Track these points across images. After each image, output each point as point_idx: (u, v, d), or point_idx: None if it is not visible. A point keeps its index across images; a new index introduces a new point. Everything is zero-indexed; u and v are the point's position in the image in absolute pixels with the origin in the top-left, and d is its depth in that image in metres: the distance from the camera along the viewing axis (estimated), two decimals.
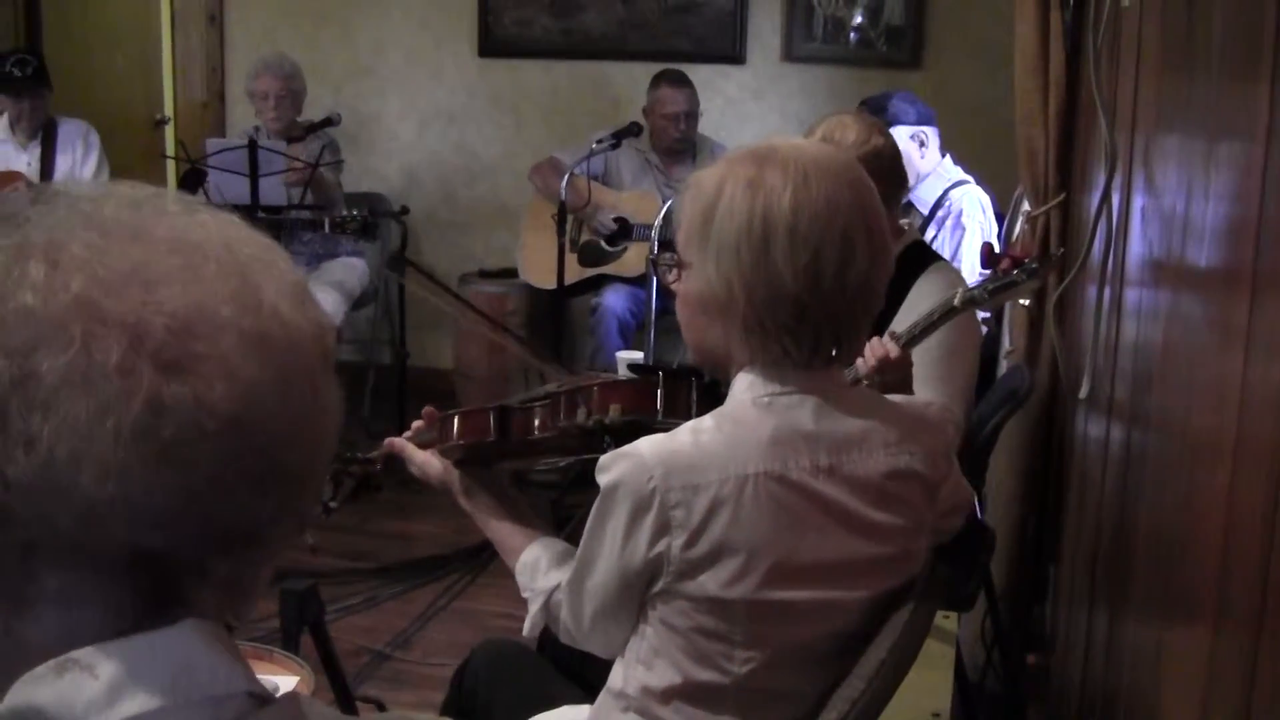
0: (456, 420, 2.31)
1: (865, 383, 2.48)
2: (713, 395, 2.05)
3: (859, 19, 6.15)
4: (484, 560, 4.56)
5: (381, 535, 4.81)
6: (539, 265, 5.80)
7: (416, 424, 2.43)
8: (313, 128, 5.60)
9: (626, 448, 1.82)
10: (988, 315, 4.13)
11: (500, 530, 2.26)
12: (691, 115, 5.80)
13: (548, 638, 2.42)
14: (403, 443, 2.41)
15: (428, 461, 2.35)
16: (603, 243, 5.80)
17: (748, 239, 1.78)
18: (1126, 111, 2.70)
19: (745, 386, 1.86)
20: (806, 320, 1.80)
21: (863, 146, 2.89)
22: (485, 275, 6.39)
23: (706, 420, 1.87)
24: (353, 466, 2.58)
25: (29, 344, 0.80)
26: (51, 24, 6.72)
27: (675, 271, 1.93)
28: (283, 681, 2.58)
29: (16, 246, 0.84)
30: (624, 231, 5.78)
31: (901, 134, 4.59)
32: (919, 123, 4.66)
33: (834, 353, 1.86)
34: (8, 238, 0.84)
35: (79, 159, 5.86)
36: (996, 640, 3.37)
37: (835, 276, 1.78)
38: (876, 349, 2.43)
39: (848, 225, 1.79)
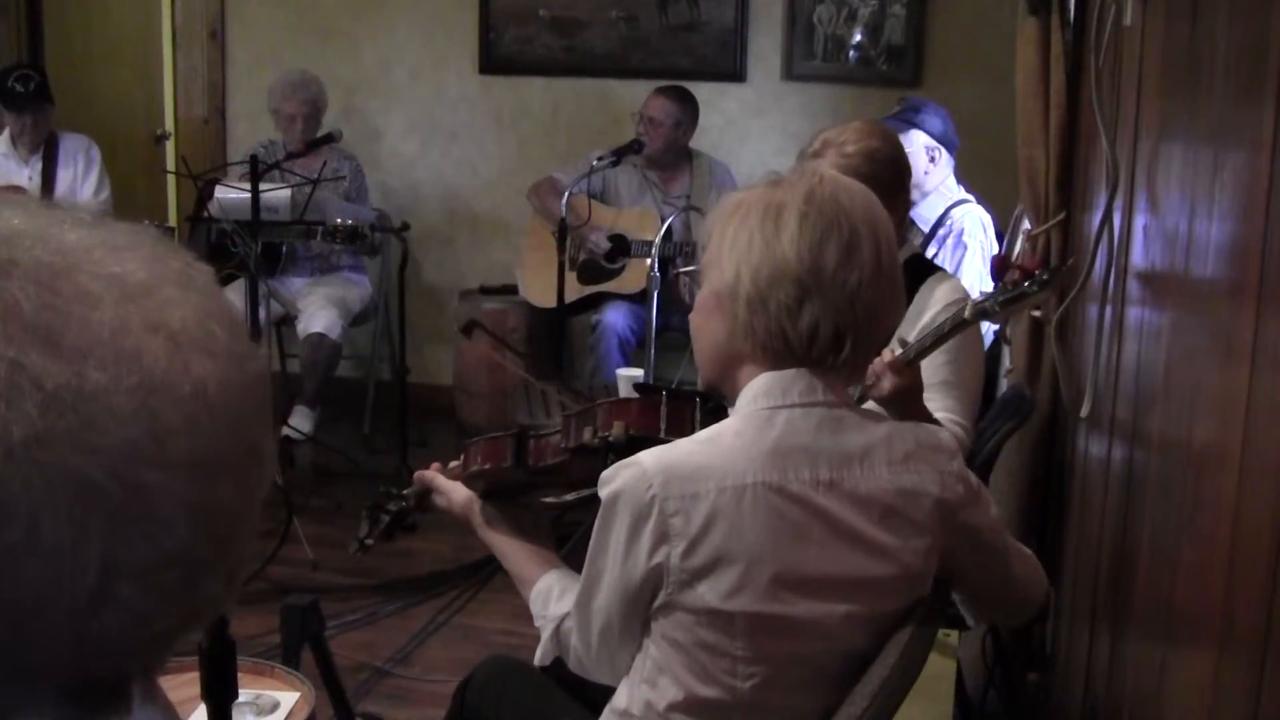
0: (481, 446, 2.38)
1: (870, 395, 2.49)
2: (716, 416, 2.07)
3: (859, 37, 6.16)
4: (484, 577, 4.55)
5: (382, 551, 4.74)
6: (539, 284, 5.80)
7: (451, 464, 2.51)
8: (313, 143, 5.61)
9: (628, 459, 1.85)
10: (990, 332, 4.13)
11: (517, 561, 2.31)
12: (660, 123, 5.74)
13: None
14: (432, 474, 2.49)
15: (453, 489, 2.44)
16: (602, 260, 5.79)
17: (760, 227, 1.86)
18: (1128, 130, 2.70)
19: (749, 399, 1.88)
20: (807, 302, 1.83)
21: (857, 143, 2.92)
22: (486, 292, 6.39)
23: (708, 431, 1.91)
24: (390, 504, 2.61)
25: None
26: (53, 40, 6.73)
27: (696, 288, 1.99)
28: (283, 697, 2.58)
29: None
30: (623, 249, 5.78)
31: (918, 141, 4.62)
32: (938, 139, 4.67)
33: (835, 354, 1.87)
34: None
35: (80, 173, 5.87)
36: (997, 659, 3.36)
37: (837, 268, 1.83)
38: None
39: (855, 227, 1.85)
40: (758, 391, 1.88)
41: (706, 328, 1.96)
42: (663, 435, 2.11)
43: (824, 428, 1.86)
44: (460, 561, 4.66)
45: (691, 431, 2.06)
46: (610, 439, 2.13)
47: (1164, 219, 2.29)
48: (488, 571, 4.53)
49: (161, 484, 0.75)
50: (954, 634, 2.99)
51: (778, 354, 1.87)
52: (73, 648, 0.76)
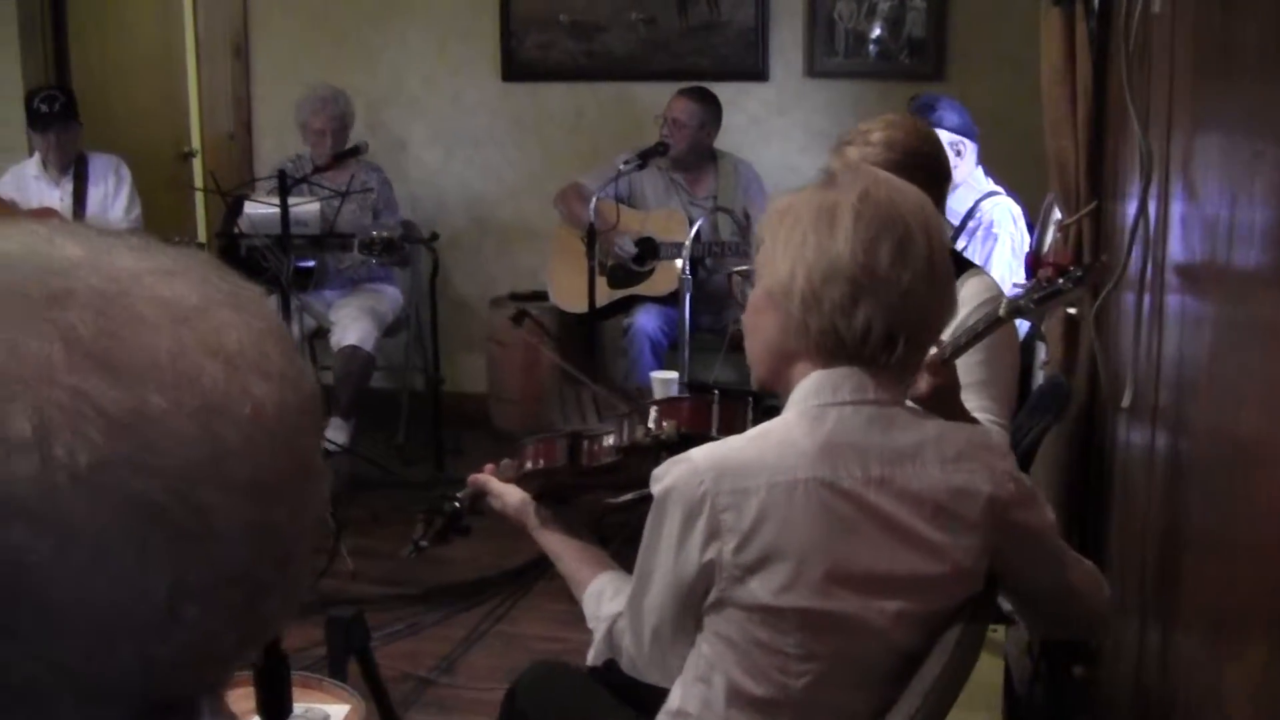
0: (534, 447, 2.40)
1: (909, 396, 2.48)
2: (769, 416, 2.08)
3: (880, 32, 6.14)
4: (525, 583, 4.56)
5: (421, 559, 4.79)
6: (568, 289, 5.80)
7: (504, 462, 2.54)
8: (340, 155, 5.63)
9: (680, 455, 1.86)
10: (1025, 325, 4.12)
11: (570, 563, 2.33)
12: (684, 124, 5.74)
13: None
14: (485, 477, 2.52)
15: (507, 492, 2.46)
16: (631, 264, 5.79)
17: (814, 226, 1.87)
18: (1160, 119, 2.69)
19: (801, 397, 1.89)
20: (860, 302, 1.84)
21: (882, 132, 2.91)
22: (516, 298, 6.40)
23: (759, 428, 1.92)
24: (446, 506, 2.63)
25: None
26: (79, 61, 6.77)
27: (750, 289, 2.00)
28: (334, 710, 2.59)
29: None
30: (651, 251, 5.78)
31: (939, 138, 4.59)
32: (959, 132, 4.66)
33: (888, 353, 1.87)
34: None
35: (111, 192, 5.90)
36: (1043, 652, 3.35)
37: (890, 266, 1.84)
38: None
39: (909, 227, 1.86)
40: (809, 390, 1.89)
41: (760, 326, 1.97)
42: (715, 434, 2.13)
43: (875, 425, 1.86)
44: (500, 569, 4.66)
45: (744, 430, 2.07)
46: (663, 438, 2.15)
47: (1203, 207, 2.28)
48: (528, 578, 4.54)
49: (222, 505, 0.76)
50: (1001, 629, 2.98)
51: (830, 352, 1.87)
52: (141, 669, 0.76)
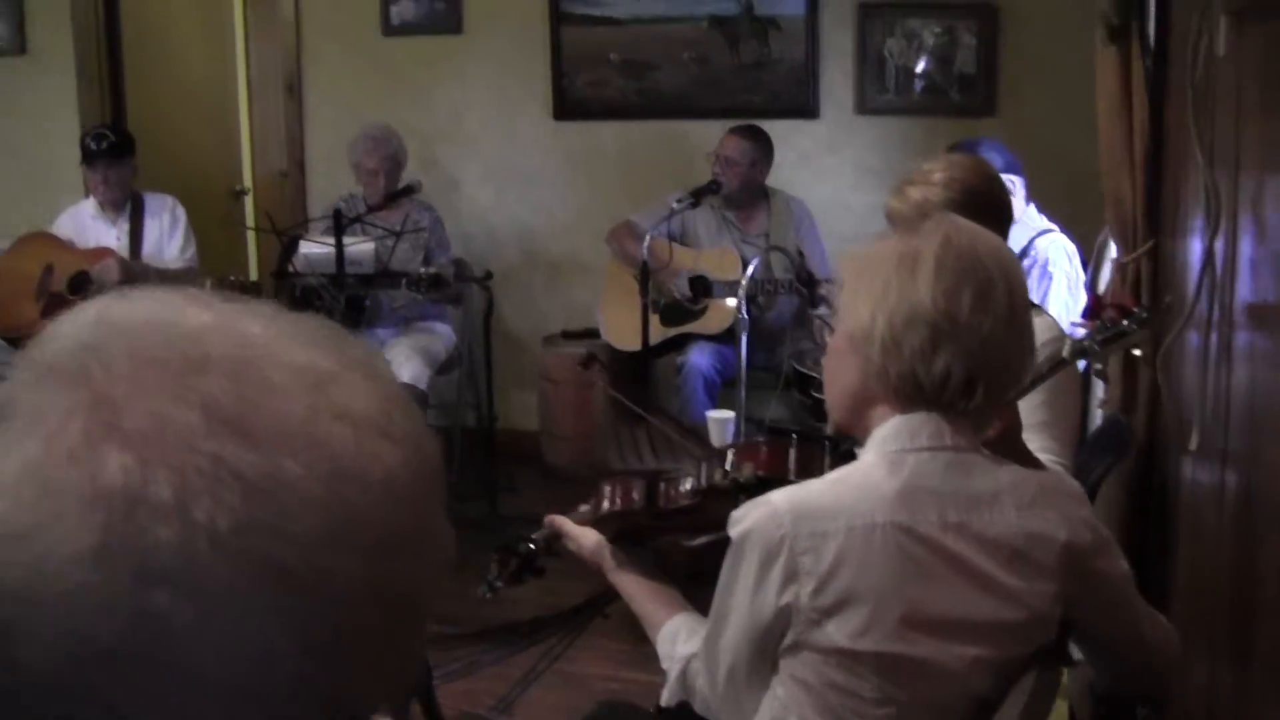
0: (611, 488, 2.41)
1: None
2: (846, 460, 2.08)
3: (924, 65, 6.13)
4: (582, 622, 4.55)
5: (477, 598, 4.79)
6: (621, 327, 5.81)
7: (582, 509, 2.55)
8: (393, 195, 5.67)
9: (759, 498, 1.87)
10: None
11: (645, 604, 2.33)
12: (736, 162, 5.73)
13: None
14: (562, 519, 2.52)
15: (583, 534, 2.46)
16: (684, 302, 5.79)
17: (896, 272, 1.88)
18: (1226, 157, 2.68)
19: (879, 441, 1.90)
20: (940, 348, 1.85)
21: (943, 171, 2.90)
22: (568, 336, 6.42)
23: (838, 471, 1.93)
24: (521, 546, 2.64)
25: None
26: (134, 100, 6.84)
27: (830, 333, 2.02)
28: None
29: None
30: (704, 289, 5.77)
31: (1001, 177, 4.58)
32: (1005, 170, 4.63)
33: (966, 399, 1.87)
34: None
35: (166, 231, 5.94)
36: (1106, 694, 3.32)
37: (971, 313, 1.85)
38: None
39: (990, 275, 1.87)
40: (887, 434, 1.90)
41: (839, 370, 1.98)
42: (792, 477, 2.13)
43: (952, 471, 1.86)
44: (559, 608, 4.65)
45: (821, 474, 2.07)
46: (741, 480, 2.16)
47: (1273, 246, 2.27)
48: (585, 617, 4.53)
49: (354, 569, 0.77)
50: (1064, 670, 2.96)
51: (909, 397, 1.88)
52: None
